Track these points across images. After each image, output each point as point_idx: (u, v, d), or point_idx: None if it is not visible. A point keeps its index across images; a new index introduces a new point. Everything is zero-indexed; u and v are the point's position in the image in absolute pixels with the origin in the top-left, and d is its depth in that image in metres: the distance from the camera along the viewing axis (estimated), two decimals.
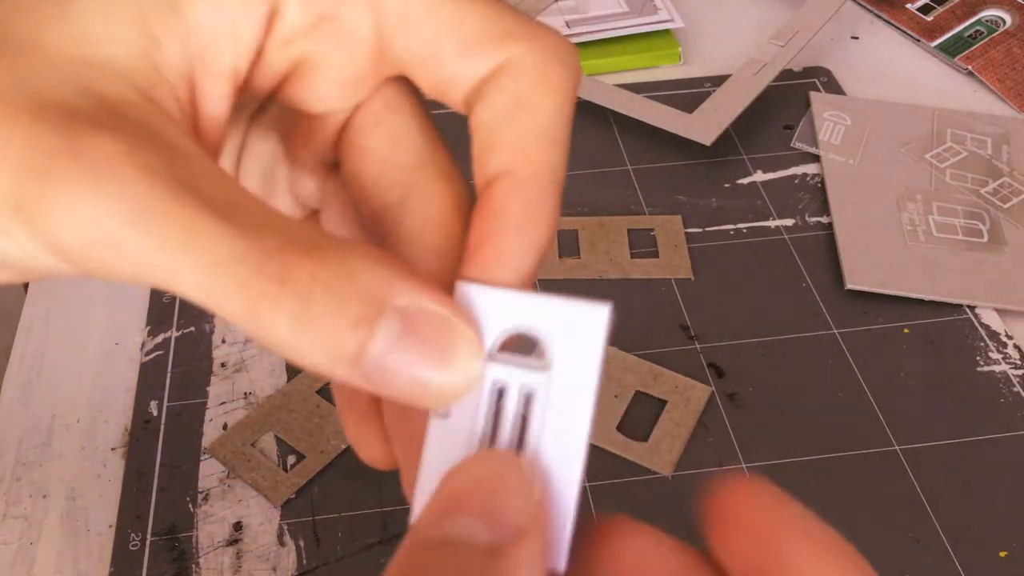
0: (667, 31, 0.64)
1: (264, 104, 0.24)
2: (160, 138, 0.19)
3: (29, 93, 0.19)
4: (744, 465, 0.41)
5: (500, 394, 0.20)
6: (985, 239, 0.50)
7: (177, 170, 0.18)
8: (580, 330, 0.20)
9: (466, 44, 0.21)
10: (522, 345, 0.20)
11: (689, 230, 0.51)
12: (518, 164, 0.21)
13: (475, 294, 0.20)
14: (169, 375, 0.45)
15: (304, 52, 0.21)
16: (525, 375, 0.20)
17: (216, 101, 0.21)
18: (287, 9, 0.21)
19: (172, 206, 0.18)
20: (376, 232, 0.23)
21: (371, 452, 0.24)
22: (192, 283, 0.18)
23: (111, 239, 0.18)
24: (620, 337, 0.46)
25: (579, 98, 0.58)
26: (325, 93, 0.22)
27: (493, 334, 0.20)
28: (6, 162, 0.18)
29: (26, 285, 0.49)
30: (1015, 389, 0.44)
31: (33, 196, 0.18)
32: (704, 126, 0.55)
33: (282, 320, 0.18)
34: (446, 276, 0.22)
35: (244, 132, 0.24)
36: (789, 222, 0.52)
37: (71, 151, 0.18)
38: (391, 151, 0.24)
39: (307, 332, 0.18)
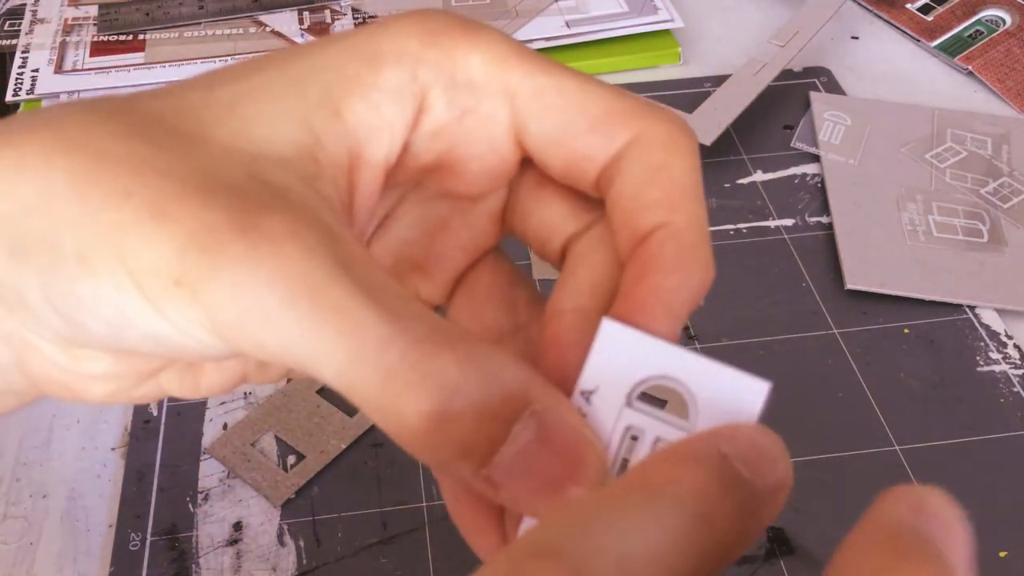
0: (667, 31, 0.64)
1: (405, 192, 0.26)
2: (321, 222, 0.20)
3: (200, 174, 0.20)
4: None
5: (633, 439, 0.20)
6: (985, 239, 0.50)
7: (335, 252, 0.19)
8: (734, 400, 0.19)
9: (596, 122, 0.23)
10: (657, 393, 0.20)
11: None
12: (671, 217, 0.22)
13: (621, 335, 0.20)
14: None
15: (451, 142, 0.23)
16: (664, 428, 0.20)
17: (369, 188, 0.22)
18: (434, 105, 0.23)
19: (328, 286, 0.18)
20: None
21: (484, 541, 0.24)
22: (333, 365, 0.18)
23: (266, 314, 0.18)
24: None
25: None
26: (471, 178, 0.24)
27: (634, 378, 0.20)
28: (173, 238, 0.19)
29: None
30: (1015, 389, 0.44)
31: (197, 269, 0.19)
32: (704, 126, 0.55)
33: (418, 412, 0.18)
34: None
35: (403, 204, 0.26)
36: (789, 222, 0.52)
37: (238, 227, 0.19)
38: (557, 210, 0.25)
39: (442, 427, 0.18)
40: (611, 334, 0.20)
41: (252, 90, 0.22)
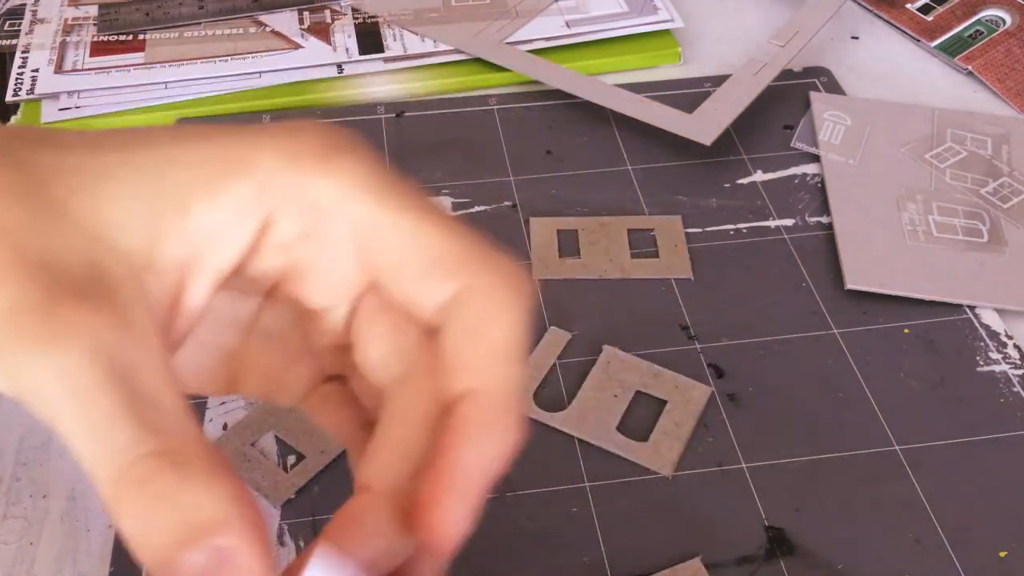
0: (667, 31, 0.64)
1: (262, 302, 0.27)
2: (124, 321, 0.21)
3: (38, 246, 0.21)
4: (744, 465, 0.41)
5: None
6: (985, 239, 0.50)
7: (118, 358, 0.21)
8: None
9: (427, 268, 0.24)
10: None
11: (689, 230, 0.51)
12: (480, 383, 0.23)
13: (329, 568, 0.21)
14: None
15: (297, 256, 0.24)
16: None
17: (199, 292, 0.24)
18: (279, 221, 0.24)
19: (95, 392, 0.21)
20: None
21: None
22: (87, 464, 0.21)
23: (44, 400, 0.22)
24: (620, 337, 0.46)
25: (579, 98, 0.58)
26: (319, 291, 0.25)
27: None
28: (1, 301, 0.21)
29: None
30: (1015, 389, 0.44)
31: (4, 334, 0.21)
32: (704, 126, 0.55)
33: (126, 516, 0.21)
34: (409, 470, 0.24)
35: (257, 311, 0.27)
36: (789, 222, 0.52)
37: (45, 312, 0.21)
38: (388, 345, 0.25)
39: (139, 534, 0.21)
40: (321, 565, 0.21)
41: (121, 167, 0.23)
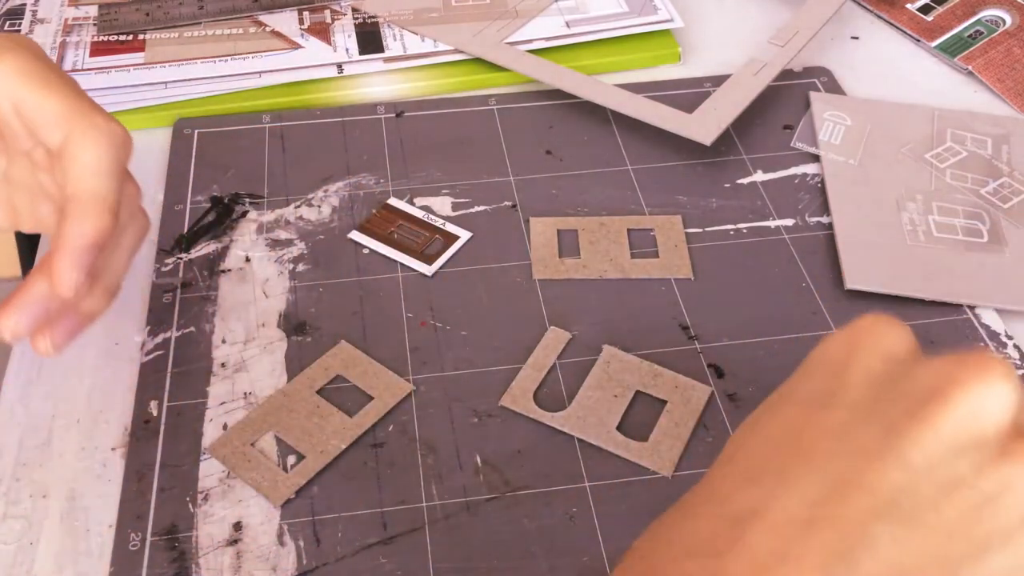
0: (667, 31, 0.64)
1: None
2: None
3: None
4: None
5: None
6: (985, 239, 0.50)
7: None
8: None
9: (46, 124, 0.38)
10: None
11: (689, 230, 0.51)
12: (74, 191, 0.37)
13: None
14: (169, 375, 0.45)
15: None
16: None
17: None
18: None
19: None
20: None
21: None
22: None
23: None
24: (620, 337, 0.46)
25: (579, 98, 0.58)
26: (15, 143, 0.40)
27: None
28: None
29: None
30: None
31: None
32: (704, 126, 0.55)
33: None
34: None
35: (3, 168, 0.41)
36: (789, 222, 0.52)
37: None
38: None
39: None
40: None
41: None
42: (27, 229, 0.42)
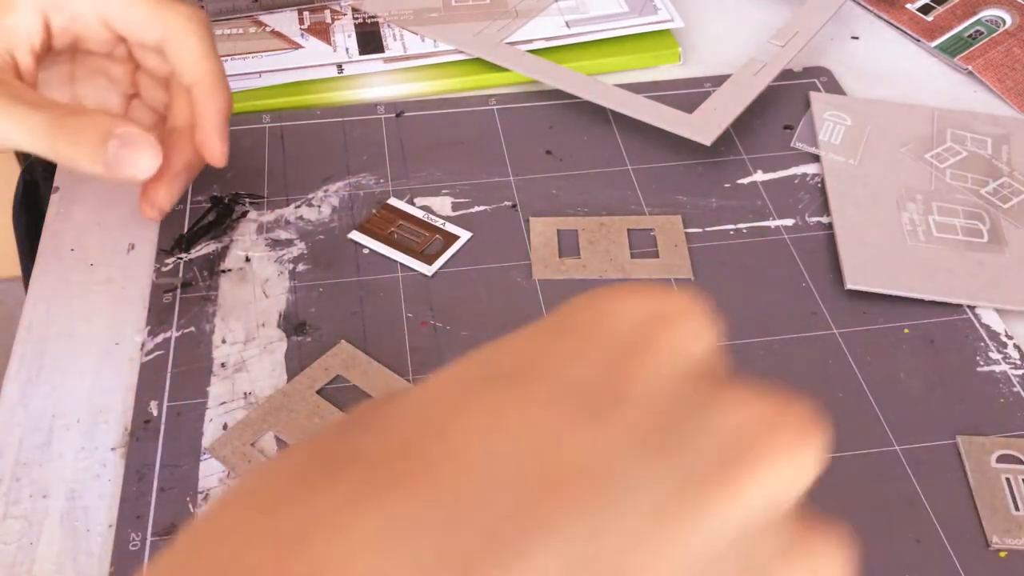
0: (667, 31, 0.64)
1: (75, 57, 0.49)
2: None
3: None
4: None
5: None
6: (985, 239, 0.50)
7: (7, 88, 0.42)
8: None
9: (141, 22, 0.45)
10: None
11: (689, 230, 0.51)
12: (195, 76, 0.45)
13: None
14: (169, 375, 0.45)
15: (74, 34, 0.46)
16: None
17: (26, 66, 0.44)
18: (52, 17, 0.45)
19: (10, 106, 0.41)
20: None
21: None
22: (24, 141, 0.41)
23: None
24: None
25: (579, 98, 0.58)
26: (94, 45, 0.47)
27: None
28: None
29: (26, 285, 0.49)
30: (1015, 389, 0.44)
31: None
32: (704, 126, 0.55)
33: (64, 146, 0.41)
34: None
35: (73, 65, 0.49)
36: (789, 222, 0.52)
37: None
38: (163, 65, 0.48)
39: (77, 149, 0.41)
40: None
41: None
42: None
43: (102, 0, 0.44)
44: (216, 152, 0.46)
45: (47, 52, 0.45)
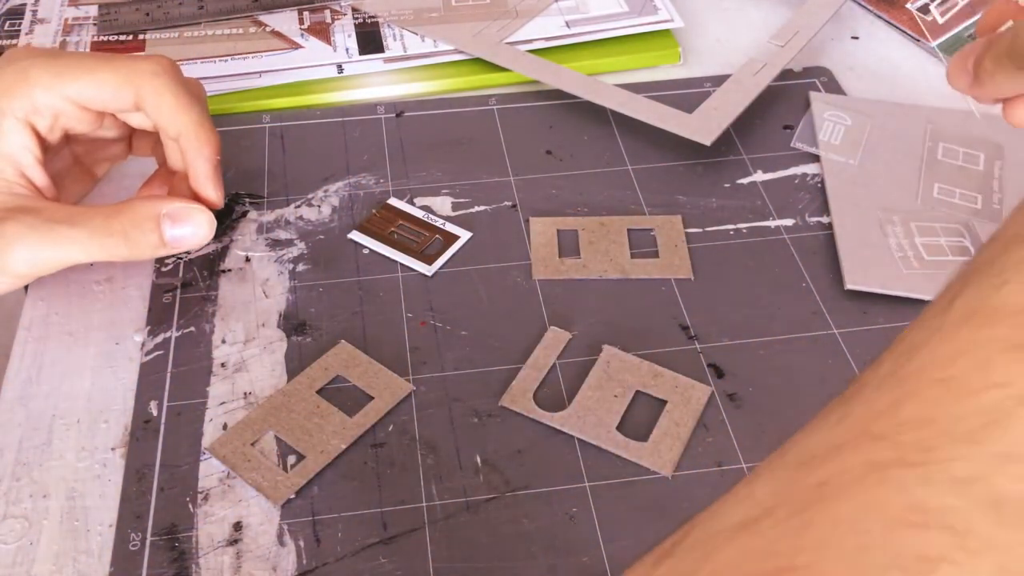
0: (667, 31, 0.64)
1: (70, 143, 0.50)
2: (24, 206, 0.43)
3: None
4: (744, 465, 0.41)
5: None
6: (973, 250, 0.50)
7: (41, 216, 0.43)
8: None
9: (115, 92, 0.45)
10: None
11: (689, 230, 0.51)
12: (178, 127, 0.46)
13: None
14: (169, 375, 0.45)
15: (60, 127, 0.46)
16: None
17: (34, 169, 0.45)
18: (38, 123, 0.45)
19: (50, 233, 0.42)
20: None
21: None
22: (78, 257, 0.43)
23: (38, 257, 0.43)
24: (620, 337, 0.46)
25: (579, 98, 0.58)
26: (83, 127, 0.47)
27: None
28: None
29: (26, 285, 0.49)
30: None
31: None
32: (704, 126, 0.55)
33: (120, 249, 0.43)
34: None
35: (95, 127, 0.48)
36: (789, 222, 0.52)
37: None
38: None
39: (134, 248, 0.43)
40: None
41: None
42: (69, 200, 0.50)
43: (74, 87, 0.44)
44: (212, 198, 0.46)
45: (46, 152, 0.46)
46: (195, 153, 0.45)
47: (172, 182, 0.48)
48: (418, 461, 0.41)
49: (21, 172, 0.44)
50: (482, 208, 0.53)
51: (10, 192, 0.43)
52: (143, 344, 0.46)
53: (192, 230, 0.44)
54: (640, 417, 0.43)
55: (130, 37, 0.64)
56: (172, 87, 0.45)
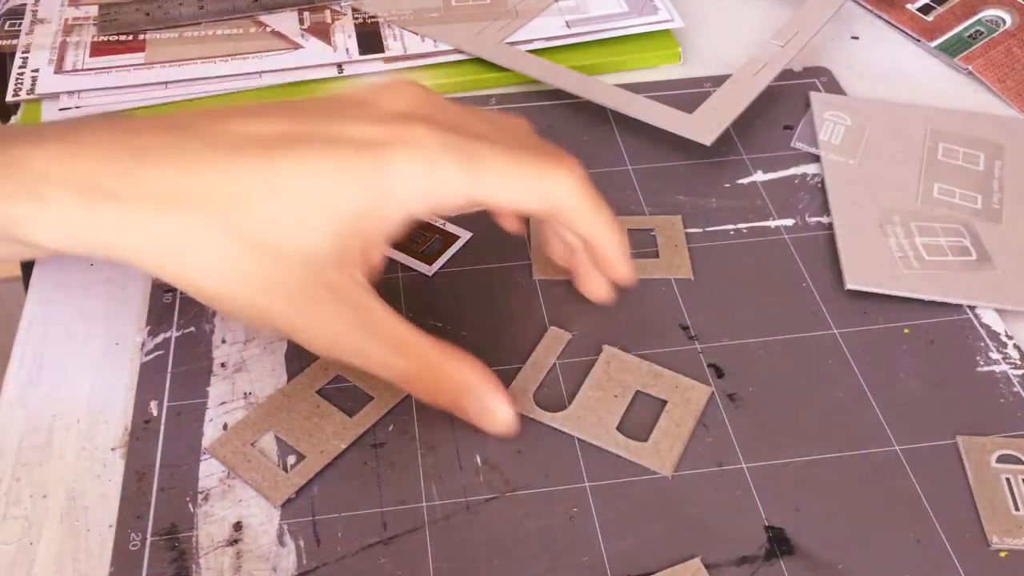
0: (667, 31, 0.64)
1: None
2: (358, 302, 0.39)
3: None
4: (744, 465, 0.41)
5: None
6: (974, 256, 0.50)
7: (371, 326, 0.39)
8: None
9: (512, 194, 0.40)
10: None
11: (689, 230, 0.51)
12: (587, 232, 0.42)
13: None
14: (169, 375, 0.45)
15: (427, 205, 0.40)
16: None
17: (378, 260, 0.40)
18: (416, 212, 0.40)
19: (368, 346, 0.39)
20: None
21: None
22: (379, 373, 0.40)
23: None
24: (620, 337, 0.46)
25: (579, 98, 0.58)
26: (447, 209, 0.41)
27: None
28: None
29: (26, 285, 0.49)
30: (1015, 389, 0.44)
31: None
32: (704, 126, 0.55)
33: (423, 395, 0.41)
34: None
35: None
36: (789, 222, 0.52)
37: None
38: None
39: (437, 399, 0.40)
40: None
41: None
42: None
43: (483, 193, 0.39)
44: (630, 277, 0.44)
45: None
46: (609, 249, 0.43)
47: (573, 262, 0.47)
48: (418, 461, 0.41)
49: (380, 253, 0.40)
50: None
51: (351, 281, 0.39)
52: (143, 344, 0.46)
53: (491, 413, 0.40)
54: (640, 417, 0.43)
55: (130, 37, 0.64)
56: (591, 199, 0.41)
